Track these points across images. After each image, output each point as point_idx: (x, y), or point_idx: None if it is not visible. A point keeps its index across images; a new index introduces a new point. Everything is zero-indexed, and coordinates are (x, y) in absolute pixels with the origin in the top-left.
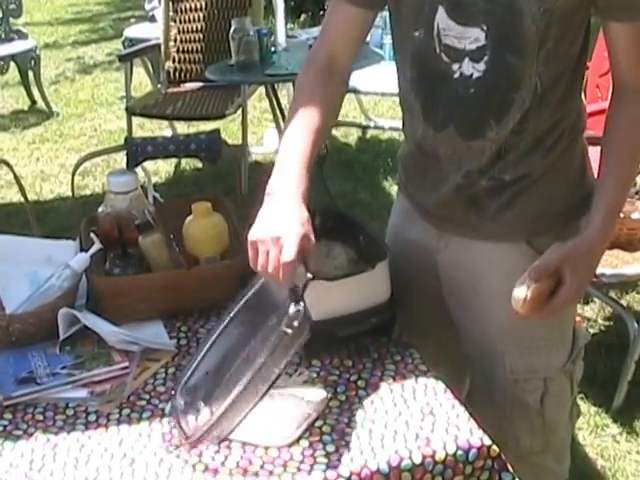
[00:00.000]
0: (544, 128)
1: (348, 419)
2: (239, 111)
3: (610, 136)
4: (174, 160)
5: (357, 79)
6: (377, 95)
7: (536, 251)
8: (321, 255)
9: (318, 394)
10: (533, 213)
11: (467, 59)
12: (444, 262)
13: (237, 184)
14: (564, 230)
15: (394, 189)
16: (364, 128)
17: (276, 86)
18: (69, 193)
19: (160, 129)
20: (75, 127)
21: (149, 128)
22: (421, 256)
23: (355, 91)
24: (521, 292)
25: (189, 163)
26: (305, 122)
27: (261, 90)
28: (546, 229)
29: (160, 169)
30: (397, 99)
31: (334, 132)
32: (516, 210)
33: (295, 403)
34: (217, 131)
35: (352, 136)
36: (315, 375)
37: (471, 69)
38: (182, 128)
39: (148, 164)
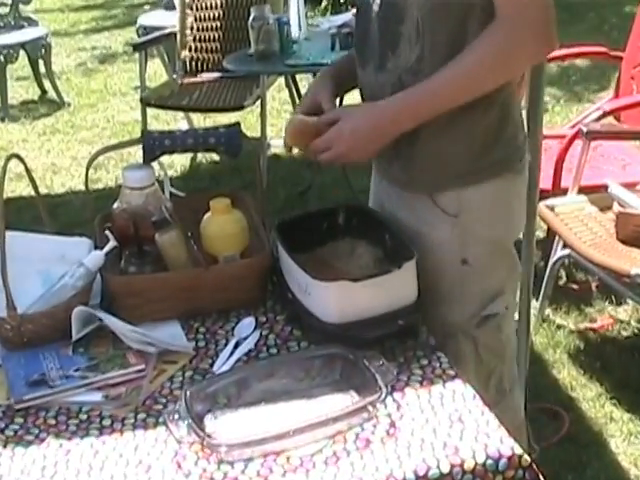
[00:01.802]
0: (440, 67)
1: (373, 426)
2: (258, 102)
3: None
4: (190, 153)
5: None
6: None
7: (437, 206)
8: (345, 254)
9: (342, 400)
10: (437, 167)
11: None
12: (387, 212)
13: (257, 179)
14: (465, 193)
15: None
16: None
17: (297, 76)
18: (81, 187)
19: (175, 120)
20: (87, 118)
21: (164, 119)
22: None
23: None
24: (287, 122)
25: (205, 156)
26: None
27: (281, 81)
28: (448, 187)
29: (175, 162)
30: None
31: None
32: (421, 159)
33: (318, 409)
34: (237, 124)
35: None
36: (339, 377)
37: (376, 5)
38: (198, 120)
39: (163, 157)
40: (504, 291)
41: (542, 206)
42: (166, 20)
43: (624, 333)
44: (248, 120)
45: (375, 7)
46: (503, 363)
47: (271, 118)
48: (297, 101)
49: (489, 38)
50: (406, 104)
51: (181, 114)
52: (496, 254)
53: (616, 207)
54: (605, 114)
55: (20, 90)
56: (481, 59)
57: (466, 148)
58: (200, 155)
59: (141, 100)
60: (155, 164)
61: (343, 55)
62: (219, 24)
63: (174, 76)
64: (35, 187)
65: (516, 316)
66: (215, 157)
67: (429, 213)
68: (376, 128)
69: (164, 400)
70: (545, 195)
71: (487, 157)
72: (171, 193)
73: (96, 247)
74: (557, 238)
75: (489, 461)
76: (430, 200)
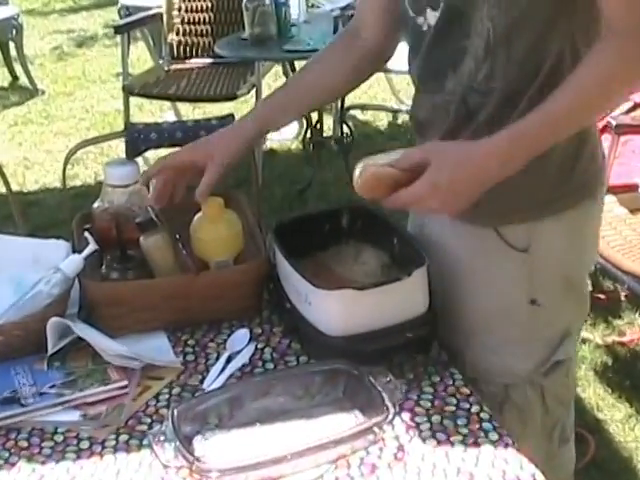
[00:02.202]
0: (514, 87)
1: (379, 450)
2: (252, 92)
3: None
4: (177, 148)
5: None
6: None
7: (504, 241)
8: (349, 259)
9: (345, 420)
10: (504, 196)
11: (429, 9)
12: (427, 237)
13: (253, 176)
14: (537, 225)
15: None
16: (395, 112)
17: (295, 64)
18: (57, 184)
19: (161, 111)
20: (63, 107)
21: (149, 110)
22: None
23: (385, 70)
24: (358, 169)
25: None
26: (300, 75)
27: (278, 68)
28: (516, 219)
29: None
30: None
31: (360, 117)
32: (488, 188)
33: (319, 430)
34: (230, 116)
35: (381, 121)
36: (341, 395)
37: (434, 18)
38: (187, 110)
39: (148, 152)
40: (572, 331)
41: None
42: (151, 0)
43: None
44: (241, 111)
45: (431, 18)
46: (568, 410)
47: None
48: None
49: (605, 57)
50: (518, 144)
51: (168, 104)
52: (567, 290)
53: None
54: (636, 106)
55: None
56: (600, 82)
57: (541, 175)
58: None
59: (123, 88)
60: (140, 159)
61: (277, 88)
62: (210, 4)
63: (160, 62)
64: (6, 184)
65: None
66: None
67: (493, 247)
68: (479, 177)
69: (149, 420)
70: None
71: (564, 185)
72: None
73: (74, 251)
74: None
75: None
76: (495, 233)
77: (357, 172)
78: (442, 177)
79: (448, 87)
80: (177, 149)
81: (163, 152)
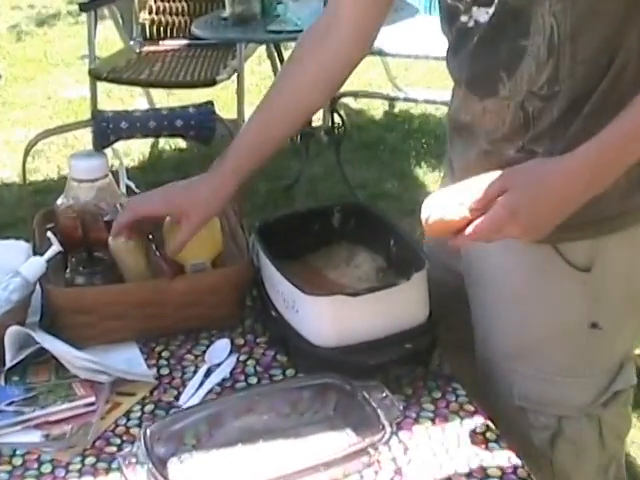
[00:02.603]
0: (579, 91)
1: (375, 473)
2: (234, 77)
3: None
4: (150, 138)
5: (383, 38)
6: (409, 58)
7: (564, 259)
8: (341, 262)
9: (337, 440)
10: None
11: (475, 6)
12: (469, 251)
13: None
14: (602, 242)
15: (429, 177)
16: (392, 100)
17: (281, 46)
18: (15, 179)
19: (132, 97)
20: (23, 94)
21: (118, 97)
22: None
23: (380, 53)
24: (424, 213)
25: (170, 142)
26: (271, 98)
27: (261, 50)
28: (578, 235)
29: (133, 149)
30: (433, 63)
31: (353, 105)
32: None
33: (308, 451)
34: (210, 104)
35: (376, 110)
36: (332, 413)
37: (484, 15)
38: (160, 97)
39: (119, 143)
40: (630, 355)
41: None
42: None
43: None
44: (221, 98)
45: (478, 15)
46: (623, 444)
47: (249, 95)
48: None
49: None
50: (607, 158)
51: (139, 90)
52: (630, 312)
53: None
54: None
55: None
56: None
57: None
58: (163, 141)
59: (90, 73)
60: (108, 151)
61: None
62: None
63: (131, 43)
64: None
65: None
66: (181, 143)
67: (550, 266)
68: (564, 198)
69: (119, 441)
70: None
71: (632, 197)
72: (128, 187)
73: (35, 252)
74: None
75: None
76: (553, 250)
77: (423, 216)
78: (522, 201)
79: (502, 92)
80: (148, 195)
81: (134, 143)
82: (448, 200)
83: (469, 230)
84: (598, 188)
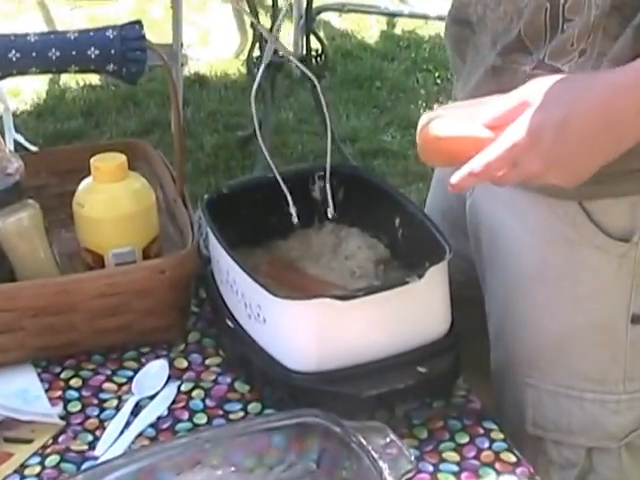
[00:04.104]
0: None
1: None
2: None
3: None
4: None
5: None
6: None
7: (594, 224)
8: (325, 251)
9: None
10: None
11: None
12: (470, 212)
13: (172, 117)
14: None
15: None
16: (392, 17)
17: None
18: None
19: (21, 12)
20: None
21: (3, 12)
22: (455, 205)
23: None
24: (420, 123)
25: (76, 77)
26: None
27: None
28: (616, 190)
29: (23, 88)
30: None
31: (337, 23)
32: None
33: None
34: (137, 24)
35: (370, 31)
36: (314, 467)
37: None
38: (61, 12)
39: (3, 82)
40: None
41: None
42: None
43: None
44: (149, 15)
45: None
46: None
47: (190, 11)
48: None
49: None
50: None
51: (31, 1)
52: None
53: None
54: None
55: None
56: None
57: None
58: (67, 76)
59: None
60: None
61: None
62: None
63: None
64: None
65: None
66: (92, 78)
67: (575, 234)
68: (608, 129)
69: None
70: None
71: None
72: (16, 142)
73: None
74: None
75: None
76: (580, 211)
77: (420, 125)
78: (548, 121)
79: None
80: None
81: (25, 79)
82: (456, 110)
83: (474, 163)
84: None
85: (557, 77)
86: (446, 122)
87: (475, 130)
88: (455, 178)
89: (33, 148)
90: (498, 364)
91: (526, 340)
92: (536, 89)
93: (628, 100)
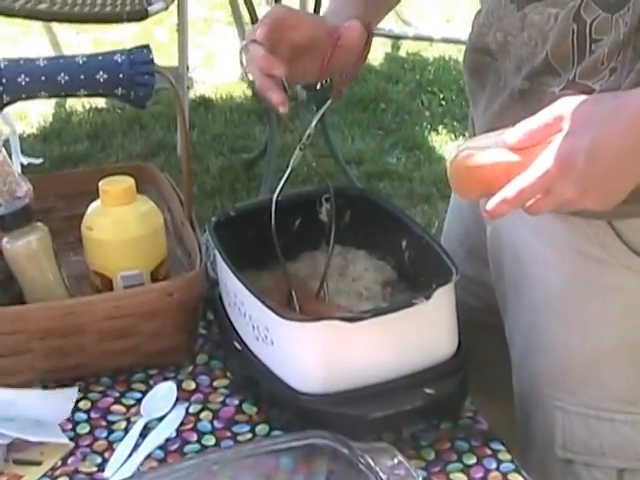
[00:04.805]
0: None
1: None
2: (173, 6)
3: None
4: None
5: None
6: None
7: (624, 243)
8: (333, 273)
9: None
10: None
11: None
12: (491, 238)
13: (182, 138)
14: None
15: (450, 148)
16: (397, 39)
17: None
18: None
19: (26, 37)
20: None
21: (8, 35)
22: (473, 232)
23: None
24: (453, 149)
25: (82, 100)
26: None
27: None
28: (637, 211)
29: (29, 110)
30: None
31: None
32: None
33: None
34: (145, 48)
35: (374, 53)
36: None
37: None
38: (67, 36)
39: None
40: None
41: None
42: None
43: None
44: (153, 38)
45: None
46: None
47: (195, 34)
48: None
49: None
50: None
51: (37, 25)
52: None
53: None
54: None
55: None
56: None
57: None
58: (73, 99)
59: None
60: None
61: None
62: None
63: None
64: None
65: None
66: (98, 101)
67: (604, 254)
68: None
69: None
70: None
71: None
72: (22, 165)
73: None
74: None
75: None
76: (609, 230)
77: (448, 159)
78: (581, 142)
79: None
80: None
81: (32, 102)
82: (485, 140)
83: (507, 190)
84: None
85: (584, 98)
86: (475, 152)
87: (504, 156)
88: (490, 205)
89: (37, 161)
90: (523, 389)
91: (555, 362)
92: (566, 108)
93: None
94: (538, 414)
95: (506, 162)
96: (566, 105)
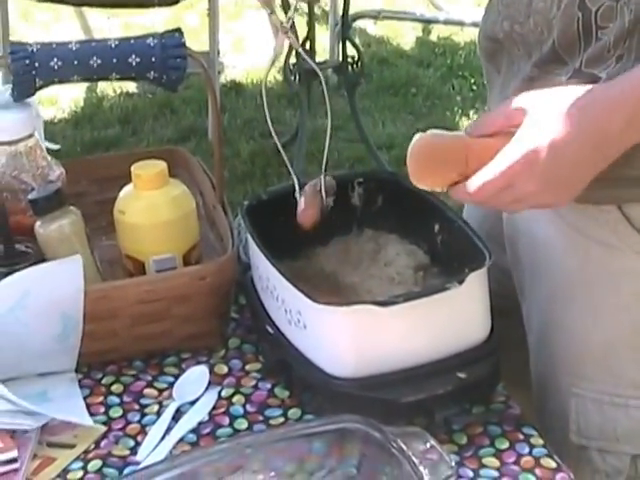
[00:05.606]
0: None
1: None
2: None
3: None
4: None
5: None
6: None
7: (632, 226)
8: (365, 258)
9: None
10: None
11: None
12: (507, 222)
13: (214, 122)
14: None
15: None
16: (427, 24)
17: None
18: None
19: (58, 22)
20: None
21: (40, 21)
22: (491, 215)
23: None
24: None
25: (113, 84)
26: None
27: None
28: None
29: (61, 97)
30: None
31: (372, 31)
32: None
33: None
34: (178, 32)
35: (405, 38)
36: (355, 472)
37: None
38: (97, 21)
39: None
40: None
41: None
42: None
43: None
44: (185, 23)
45: None
46: None
47: (226, 19)
48: None
49: None
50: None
51: (68, 10)
52: None
53: None
54: None
55: None
56: None
57: None
58: (104, 84)
59: None
60: (33, 99)
61: None
62: None
63: None
64: None
65: None
66: (129, 85)
67: (618, 242)
68: (596, 137)
69: None
70: None
71: None
72: (48, 150)
73: None
74: None
75: None
76: (624, 220)
77: (411, 145)
78: (544, 138)
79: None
80: None
81: (66, 90)
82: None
83: (470, 183)
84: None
85: (548, 93)
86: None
87: (468, 144)
88: (453, 192)
89: (55, 147)
90: (539, 374)
91: (571, 348)
92: (528, 102)
93: (614, 115)
94: (554, 399)
95: (462, 144)
96: (528, 99)
